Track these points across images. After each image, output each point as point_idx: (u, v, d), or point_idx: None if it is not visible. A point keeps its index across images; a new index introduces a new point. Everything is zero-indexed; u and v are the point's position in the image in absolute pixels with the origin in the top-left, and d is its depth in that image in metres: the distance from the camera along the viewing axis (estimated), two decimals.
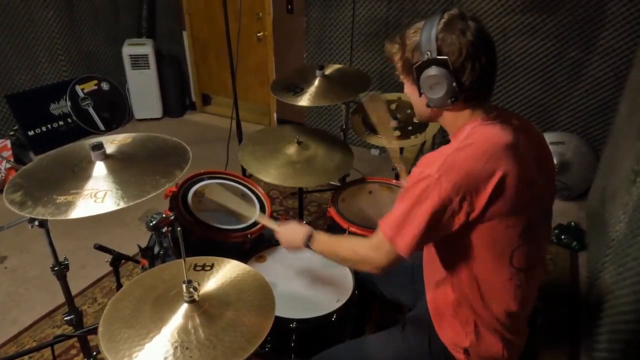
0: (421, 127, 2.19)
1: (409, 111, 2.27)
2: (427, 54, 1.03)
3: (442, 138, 2.86)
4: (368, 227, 1.78)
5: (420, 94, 1.10)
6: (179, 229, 1.02)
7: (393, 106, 2.31)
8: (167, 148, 1.43)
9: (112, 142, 1.42)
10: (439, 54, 1.02)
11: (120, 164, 1.31)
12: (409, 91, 1.16)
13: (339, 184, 2.70)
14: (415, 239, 1.05)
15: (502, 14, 2.96)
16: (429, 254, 1.26)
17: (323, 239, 1.30)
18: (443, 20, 1.03)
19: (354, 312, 1.50)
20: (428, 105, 1.11)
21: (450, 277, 1.17)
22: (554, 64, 2.96)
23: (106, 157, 1.31)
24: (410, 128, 2.20)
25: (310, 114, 4.03)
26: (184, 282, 1.03)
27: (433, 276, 1.25)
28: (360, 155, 3.64)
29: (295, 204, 3.09)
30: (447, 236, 1.06)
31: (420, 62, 1.05)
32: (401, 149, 2.50)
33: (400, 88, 1.29)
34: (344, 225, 1.81)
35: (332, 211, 1.90)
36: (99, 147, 1.29)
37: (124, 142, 1.43)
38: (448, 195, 0.99)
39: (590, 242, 2.58)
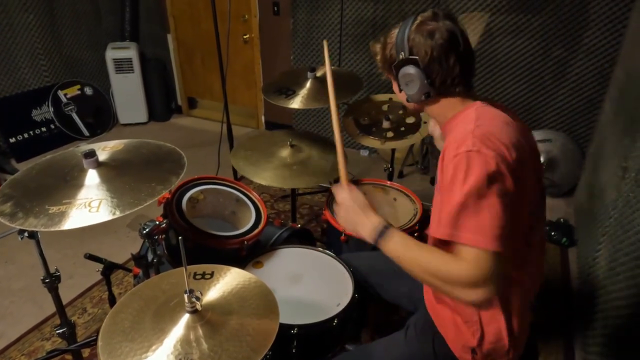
0: (414, 127, 2.19)
1: (400, 112, 2.27)
2: (402, 54, 1.09)
3: (431, 139, 2.87)
4: None
5: (400, 90, 1.17)
6: (180, 237, 0.99)
7: (385, 107, 2.31)
8: (161, 154, 1.40)
9: (103, 149, 1.39)
10: (410, 54, 1.08)
11: (113, 171, 1.28)
12: (394, 86, 1.22)
13: (329, 186, 2.68)
14: (495, 220, 0.93)
15: (488, 13, 2.99)
16: None
17: (402, 240, 1.07)
18: (416, 22, 1.08)
19: (354, 316, 1.49)
20: (407, 100, 1.17)
21: None
22: (539, 62, 3.00)
23: (99, 165, 1.28)
24: (403, 129, 2.20)
25: (298, 117, 4.01)
26: (185, 292, 1.01)
27: None
28: (350, 156, 3.64)
29: (286, 206, 3.08)
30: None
31: (396, 62, 1.12)
32: (393, 150, 2.51)
33: (390, 89, 1.32)
34: (340, 228, 1.81)
35: (327, 214, 1.89)
36: (91, 154, 1.26)
37: (116, 149, 1.40)
38: (494, 161, 0.95)
39: (579, 238, 2.62)
